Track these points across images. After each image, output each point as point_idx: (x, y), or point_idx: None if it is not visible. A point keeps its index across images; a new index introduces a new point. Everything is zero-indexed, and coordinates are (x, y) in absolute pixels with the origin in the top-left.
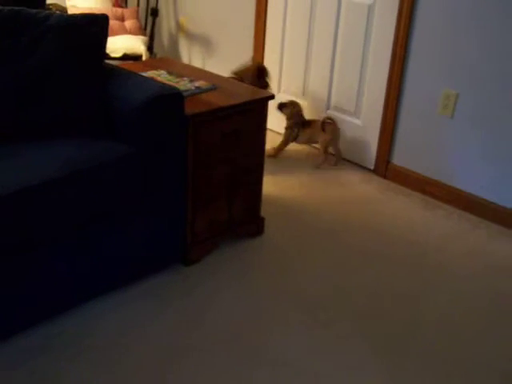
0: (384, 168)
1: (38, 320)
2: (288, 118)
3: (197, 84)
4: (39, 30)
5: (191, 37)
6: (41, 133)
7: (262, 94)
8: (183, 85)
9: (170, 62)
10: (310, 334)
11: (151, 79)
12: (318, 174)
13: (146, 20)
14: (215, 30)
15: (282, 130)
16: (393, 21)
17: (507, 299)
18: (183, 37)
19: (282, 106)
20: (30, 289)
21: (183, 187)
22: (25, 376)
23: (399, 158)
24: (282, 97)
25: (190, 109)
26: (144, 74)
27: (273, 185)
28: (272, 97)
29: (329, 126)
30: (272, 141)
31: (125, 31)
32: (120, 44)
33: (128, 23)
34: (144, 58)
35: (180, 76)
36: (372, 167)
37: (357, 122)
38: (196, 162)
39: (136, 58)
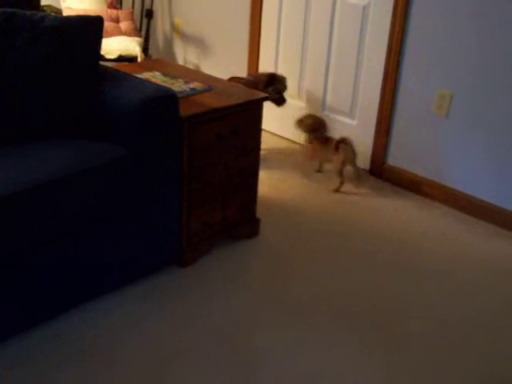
0: (379, 168)
1: (33, 323)
2: (305, 133)
3: (192, 85)
4: (34, 32)
5: (186, 38)
6: (35, 135)
7: (256, 95)
8: (178, 86)
9: (165, 64)
10: (305, 336)
11: (146, 81)
12: (314, 175)
13: (141, 21)
14: (210, 31)
15: (278, 131)
16: (387, 22)
17: (503, 301)
18: (178, 38)
19: (299, 122)
20: (24, 293)
21: (178, 189)
22: (18, 380)
23: (394, 159)
24: None
25: (184, 110)
26: (139, 76)
27: (269, 186)
28: (267, 98)
29: (343, 146)
30: (267, 142)
31: (120, 33)
32: (115, 45)
33: (123, 25)
34: (139, 60)
35: (175, 77)
36: (367, 167)
37: (352, 122)
38: (191, 163)
39: (131, 59)
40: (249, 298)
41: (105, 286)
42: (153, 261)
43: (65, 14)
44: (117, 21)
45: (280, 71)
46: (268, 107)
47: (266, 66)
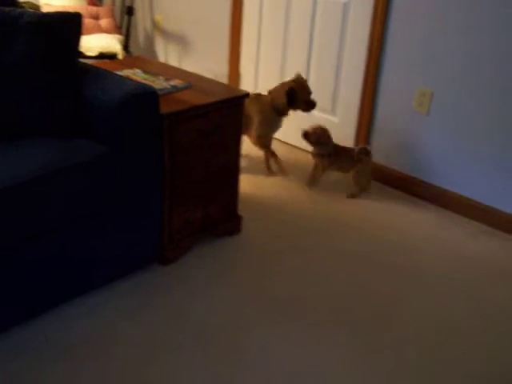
0: None
1: (15, 322)
2: (314, 145)
3: (172, 83)
4: (12, 28)
5: (167, 35)
6: (13, 133)
7: (237, 92)
8: (159, 83)
9: (146, 61)
10: (288, 332)
11: (126, 78)
12: (297, 173)
13: (122, 18)
14: (191, 28)
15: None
16: (368, 19)
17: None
18: (159, 35)
19: (306, 135)
20: (5, 291)
21: (159, 186)
22: (4, 378)
23: (376, 155)
24: None
25: (165, 108)
26: (119, 73)
27: (252, 184)
28: (247, 95)
29: (365, 157)
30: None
31: (100, 30)
32: (95, 43)
33: (103, 22)
34: (119, 57)
35: (155, 75)
36: None
37: (333, 119)
38: (172, 160)
39: (111, 56)
40: (231, 296)
41: (87, 285)
42: (135, 259)
43: (44, 10)
44: (97, 18)
45: (261, 68)
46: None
47: (247, 63)
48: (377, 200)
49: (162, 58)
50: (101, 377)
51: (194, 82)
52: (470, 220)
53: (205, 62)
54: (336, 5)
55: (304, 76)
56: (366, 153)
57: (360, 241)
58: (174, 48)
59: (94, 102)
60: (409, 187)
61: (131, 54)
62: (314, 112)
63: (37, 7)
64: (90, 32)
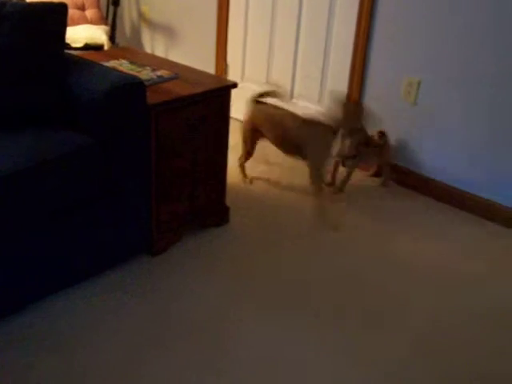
0: None
1: (2, 314)
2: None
3: (159, 73)
4: None
5: (154, 26)
6: None
7: (224, 82)
8: (145, 74)
9: (132, 52)
10: (276, 324)
11: (113, 69)
12: (284, 164)
13: (108, 9)
14: (178, 18)
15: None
16: (355, 8)
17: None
18: (145, 26)
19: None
20: None
21: (147, 177)
22: None
23: None
24: (245, 85)
25: (152, 98)
26: (106, 64)
27: (239, 175)
28: (235, 85)
29: (385, 140)
30: (236, 130)
31: (86, 21)
32: (81, 34)
33: (89, 12)
34: (106, 48)
35: (142, 65)
36: None
37: (321, 109)
38: (159, 151)
39: (97, 47)
40: (220, 286)
41: (75, 276)
42: (123, 250)
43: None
44: (82, 8)
45: (248, 58)
46: (238, 95)
47: (234, 53)
48: (365, 190)
49: (148, 49)
50: (89, 369)
51: (180, 72)
52: (461, 211)
53: (191, 53)
54: None
55: (291, 65)
56: (385, 135)
57: (349, 233)
58: (160, 39)
59: (80, 92)
60: (397, 176)
61: (117, 44)
62: (301, 102)
63: None
64: (75, 23)
